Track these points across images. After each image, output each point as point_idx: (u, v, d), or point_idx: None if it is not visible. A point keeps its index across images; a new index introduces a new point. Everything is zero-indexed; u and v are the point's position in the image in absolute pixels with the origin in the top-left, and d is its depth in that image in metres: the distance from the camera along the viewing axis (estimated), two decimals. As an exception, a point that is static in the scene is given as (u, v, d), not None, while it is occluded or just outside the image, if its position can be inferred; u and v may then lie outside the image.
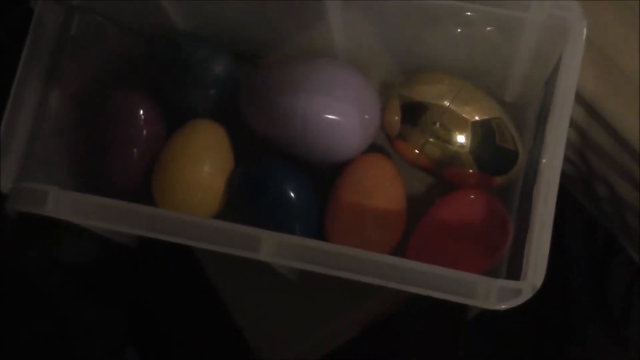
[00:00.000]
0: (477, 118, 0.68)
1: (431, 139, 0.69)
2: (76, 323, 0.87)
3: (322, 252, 0.59)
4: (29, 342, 0.86)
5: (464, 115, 0.68)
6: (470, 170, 0.69)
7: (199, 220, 0.60)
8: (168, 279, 0.88)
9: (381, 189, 0.70)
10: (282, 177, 0.70)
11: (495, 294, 0.57)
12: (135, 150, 0.72)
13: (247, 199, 0.71)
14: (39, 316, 0.86)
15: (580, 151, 0.76)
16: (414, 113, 0.69)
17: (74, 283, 0.88)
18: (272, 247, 0.59)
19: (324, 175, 0.72)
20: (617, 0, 0.69)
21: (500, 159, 0.70)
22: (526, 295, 0.56)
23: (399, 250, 0.71)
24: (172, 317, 0.89)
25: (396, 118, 0.70)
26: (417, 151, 0.70)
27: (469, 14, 0.62)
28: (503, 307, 0.57)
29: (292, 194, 0.70)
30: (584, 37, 0.61)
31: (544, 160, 0.60)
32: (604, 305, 0.84)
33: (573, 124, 0.73)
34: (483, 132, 0.69)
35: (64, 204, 0.62)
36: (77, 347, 0.87)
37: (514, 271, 0.61)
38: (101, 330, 0.88)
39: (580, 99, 0.70)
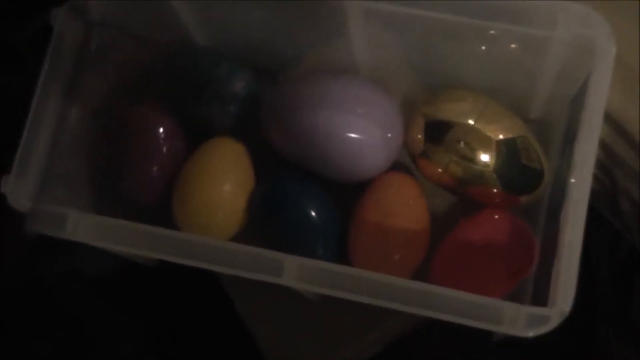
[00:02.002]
0: (501, 137, 0.67)
1: (455, 158, 0.68)
2: (95, 335, 0.87)
3: (346, 277, 0.58)
4: (48, 353, 0.85)
5: (488, 134, 0.67)
6: (495, 190, 0.68)
7: (221, 244, 0.60)
8: (188, 292, 0.88)
9: (404, 208, 0.69)
10: (303, 196, 0.70)
11: (522, 321, 0.56)
12: (155, 166, 0.72)
13: (268, 217, 0.70)
14: (58, 327, 0.86)
15: (605, 167, 0.75)
16: (438, 131, 0.68)
17: (93, 294, 0.88)
18: (295, 271, 0.58)
19: (346, 193, 0.71)
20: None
21: (525, 178, 0.69)
22: (554, 322, 0.56)
23: (422, 270, 0.70)
24: (190, 331, 0.88)
25: (419, 136, 0.69)
26: (440, 170, 0.69)
27: (492, 32, 0.61)
28: (531, 334, 0.56)
29: (313, 213, 0.69)
30: (613, 56, 0.59)
31: (572, 180, 0.58)
32: (627, 320, 0.83)
33: (597, 139, 0.72)
34: (508, 151, 0.68)
35: (84, 227, 0.61)
36: (96, 358, 0.86)
37: (540, 294, 0.60)
38: (120, 342, 0.88)
39: (604, 114, 0.69)
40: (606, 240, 0.84)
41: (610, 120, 0.69)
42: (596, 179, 0.77)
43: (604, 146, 0.72)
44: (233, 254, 0.59)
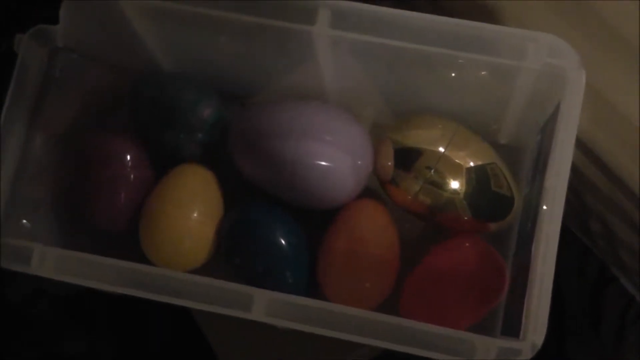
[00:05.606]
0: (471, 164, 0.67)
1: (425, 185, 0.67)
2: (62, 353, 0.86)
3: (316, 311, 0.58)
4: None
5: (458, 161, 0.67)
6: (465, 217, 0.68)
7: (189, 279, 0.59)
8: (155, 311, 0.87)
9: (374, 235, 0.69)
10: (272, 224, 0.69)
11: (494, 354, 0.55)
12: (122, 195, 0.71)
13: (237, 245, 0.69)
14: (25, 346, 0.86)
15: (575, 189, 0.75)
16: (408, 158, 0.68)
17: (60, 313, 0.87)
18: (264, 306, 0.58)
19: (316, 221, 0.70)
20: (614, 40, 0.67)
21: (495, 205, 0.69)
22: (526, 355, 0.55)
23: (393, 297, 0.69)
24: (157, 351, 0.88)
25: (389, 163, 0.68)
26: (410, 197, 0.68)
27: (461, 61, 0.61)
28: (503, 367, 0.56)
29: (283, 241, 0.68)
30: (583, 85, 0.59)
31: (544, 208, 0.58)
32: (597, 335, 0.83)
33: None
34: (478, 178, 0.67)
35: (49, 261, 0.61)
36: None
37: (511, 322, 0.60)
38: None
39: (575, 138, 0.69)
40: (575, 257, 0.84)
41: (579, 143, 0.69)
42: (566, 200, 0.77)
43: (573, 168, 0.72)
44: (201, 288, 0.58)
